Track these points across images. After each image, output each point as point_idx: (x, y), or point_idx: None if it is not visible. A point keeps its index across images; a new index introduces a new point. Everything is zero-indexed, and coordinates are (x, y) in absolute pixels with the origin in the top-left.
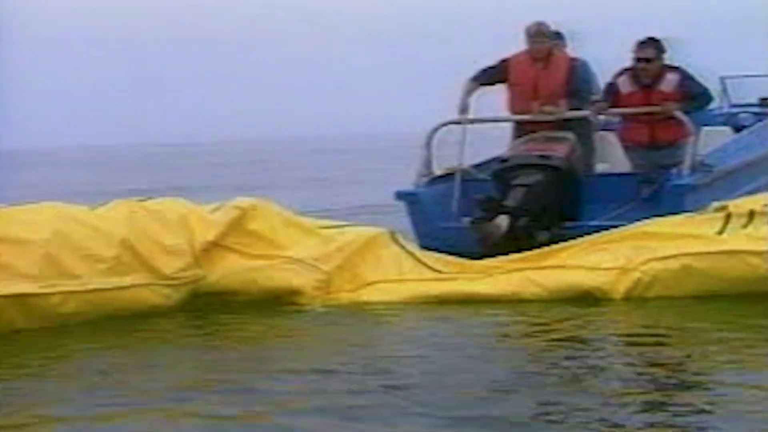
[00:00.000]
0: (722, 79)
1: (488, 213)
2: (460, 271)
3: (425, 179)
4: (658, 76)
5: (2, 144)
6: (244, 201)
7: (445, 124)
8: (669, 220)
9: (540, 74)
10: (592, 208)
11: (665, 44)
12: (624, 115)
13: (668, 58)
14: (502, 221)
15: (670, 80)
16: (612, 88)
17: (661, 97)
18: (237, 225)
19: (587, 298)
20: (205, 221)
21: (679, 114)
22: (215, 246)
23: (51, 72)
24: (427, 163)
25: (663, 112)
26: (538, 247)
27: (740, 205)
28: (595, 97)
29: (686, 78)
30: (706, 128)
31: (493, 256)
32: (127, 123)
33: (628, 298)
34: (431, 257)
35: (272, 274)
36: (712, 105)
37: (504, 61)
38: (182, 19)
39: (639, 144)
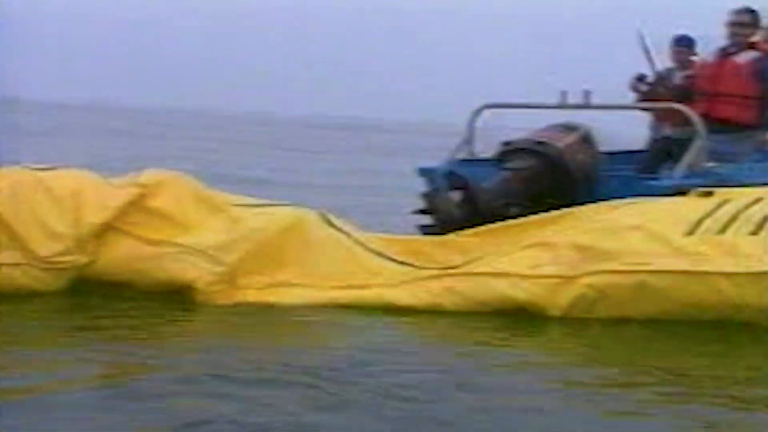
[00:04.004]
0: None
1: (449, 185)
2: (400, 251)
3: (458, 158)
4: (743, 48)
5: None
6: (150, 175)
7: (487, 107)
8: (631, 206)
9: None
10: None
11: (761, 17)
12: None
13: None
14: (454, 195)
15: (749, 54)
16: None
17: (732, 69)
18: (136, 204)
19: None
20: (98, 201)
21: (686, 110)
22: (108, 228)
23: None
24: (466, 143)
25: (666, 108)
26: None
27: (731, 195)
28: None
29: (765, 59)
30: None
31: (445, 229)
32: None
33: (567, 316)
34: (373, 238)
35: (164, 264)
36: None
37: None
38: None
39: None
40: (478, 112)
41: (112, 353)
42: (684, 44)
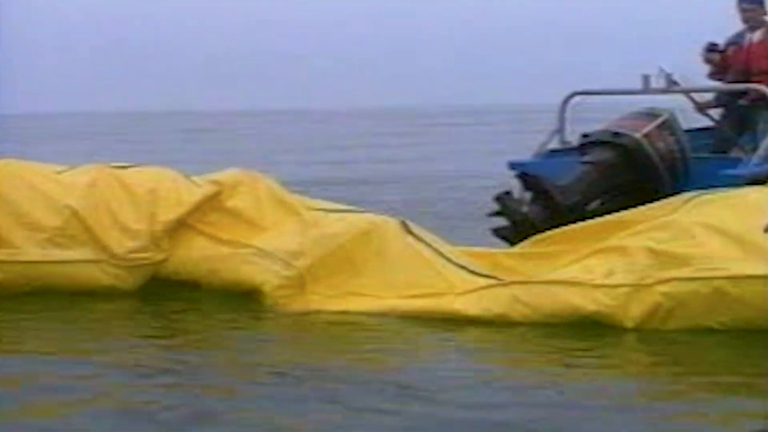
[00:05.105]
0: None
1: (526, 187)
2: (482, 265)
3: (547, 150)
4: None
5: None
6: (230, 174)
7: (577, 93)
8: (705, 203)
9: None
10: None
11: None
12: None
13: None
14: (524, 196)
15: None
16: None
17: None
18: (212, 202)
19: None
20: (174, 198)
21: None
22: (183, 226)
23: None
24: (556, 134)
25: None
26: None
27: None
28: None
29: None
30: None
31: (519, 230)
32: None
33: (641, 328)
34: (454, 251)
35: (236, 266)
36: None
37: None
38: None
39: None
40: (567, 100)
41: None
42: (756, 2)
